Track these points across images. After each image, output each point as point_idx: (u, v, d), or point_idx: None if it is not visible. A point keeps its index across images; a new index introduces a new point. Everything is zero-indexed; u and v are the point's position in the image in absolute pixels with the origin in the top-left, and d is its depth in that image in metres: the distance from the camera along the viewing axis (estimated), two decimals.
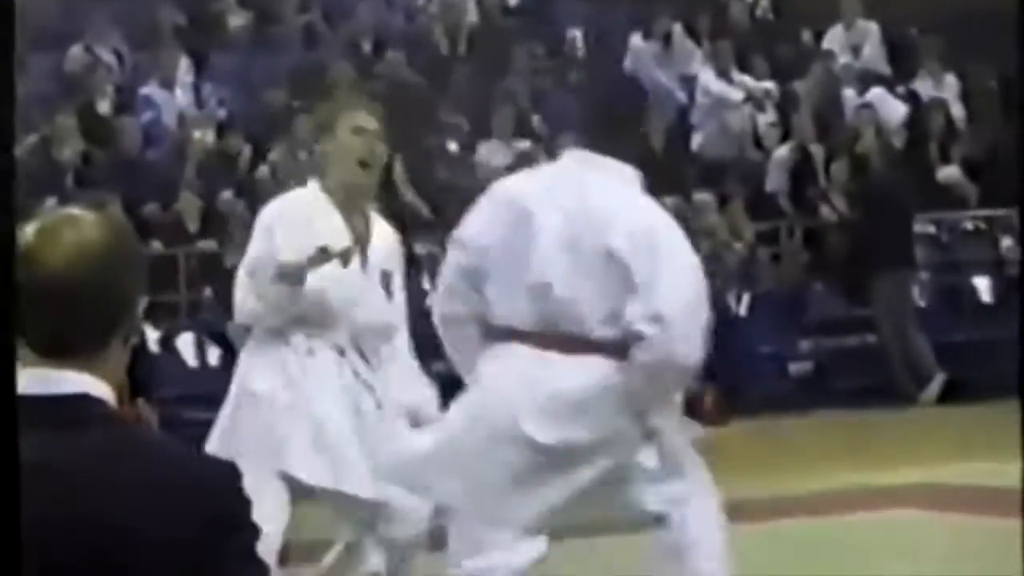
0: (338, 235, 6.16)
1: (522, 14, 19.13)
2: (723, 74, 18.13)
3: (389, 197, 15.93)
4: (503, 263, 5.47)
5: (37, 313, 2.50)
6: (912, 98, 18.18)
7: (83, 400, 2.54)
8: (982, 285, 16.74)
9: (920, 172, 17.31)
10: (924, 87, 18.35)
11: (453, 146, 16.98)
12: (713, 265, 16.16)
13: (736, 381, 15.02)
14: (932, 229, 16.97)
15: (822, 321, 16.20)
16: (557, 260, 5.39)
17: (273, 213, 6.32)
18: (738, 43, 18.54)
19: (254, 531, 2.57)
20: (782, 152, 17.46)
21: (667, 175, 17.22)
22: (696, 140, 17.69)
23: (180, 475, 2.54)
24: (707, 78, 18.05)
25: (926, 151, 17.76)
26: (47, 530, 2.43)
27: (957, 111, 18.33)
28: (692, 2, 19.26)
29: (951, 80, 18.43)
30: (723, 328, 15.48)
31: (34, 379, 2.51)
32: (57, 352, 2.54)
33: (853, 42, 18.93)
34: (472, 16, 18.59)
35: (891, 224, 15.59)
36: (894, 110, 17.91)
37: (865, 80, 18.39)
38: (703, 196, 16.46)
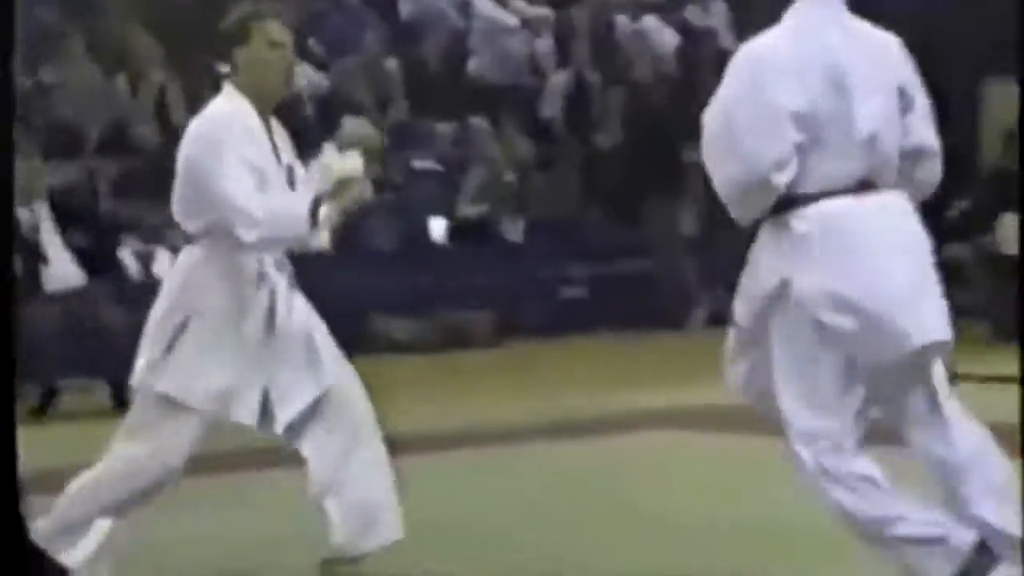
0: (264, 146, 6.05)
1: None
2: None
3: (163, 118, 15.77)
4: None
5: None
6: (684, 27, 18.33)
7: None
8: None
9: (692, 101, 17.46)
10: (696, 16, 18.50)
11: (226, 68, 16.78)
12: (489, 191, 16.25)
13: (510, 305, 15.13)
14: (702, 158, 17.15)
15: (595, 246, 16.33)
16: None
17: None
18: None
19: None
20: (558, 79, 17.52)
21: (442, 99, 17.25)
22: (472, 64, 17.66)
23: None
24: (483, 3, 18.01)
25: (697, 80, 17.93)
26: None
27: (728, 41, 18.52)
28: None
29: (721, 8, 18.59)
30: (498, 253, 15.78)
31: None
32: None
33: None
34: None
35: (662, 152, 15.74)
36: (666, 38, 18.04)
37: (638, 8, 18.47)
38: (479, 121, 16.48)
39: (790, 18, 5.70)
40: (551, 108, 17.33)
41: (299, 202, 5.94)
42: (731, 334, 5.63)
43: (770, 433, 9.52)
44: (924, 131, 5.80)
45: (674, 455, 9.27)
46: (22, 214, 12.06)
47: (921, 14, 16.54)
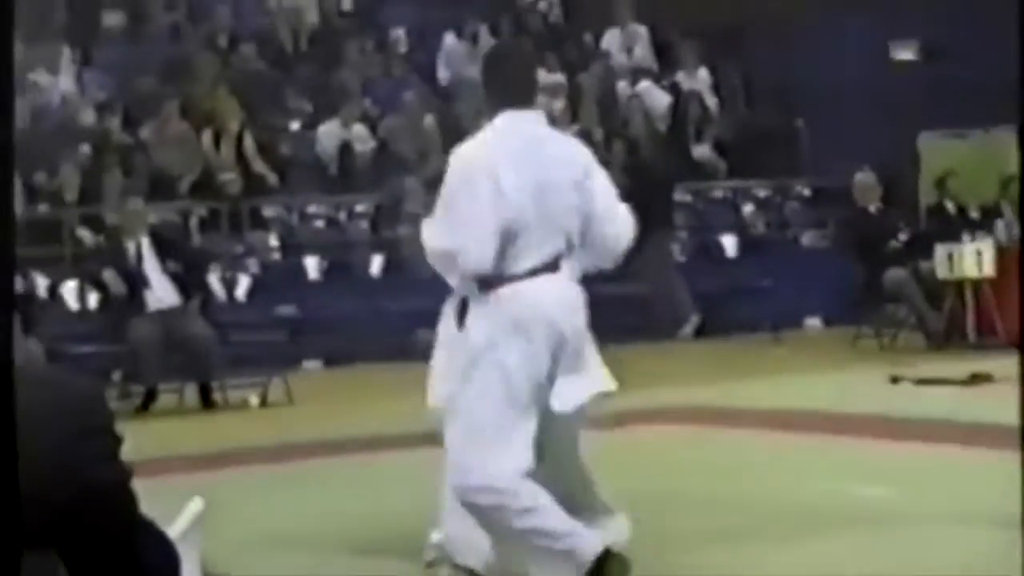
0: None
1: (354, 15, 19.03)
2: None
3: (242, 166, 15.83)
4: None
5: None
6: (674, 89, 18.38)
7: None
8: (728, 243, 17.02)
9: (679, 150, 17.53)
10: (683, 80, 18.56)
11: (295, 126, 16.88)
12: None
13: None
14: (689, 197, 17.20)
15: (601, 272, 16.32)
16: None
17: None
18: (534, 42, 18.59)
19: (116, 437, 2.52)
20: (569, 133, 17.56)
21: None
22: None
23: (48, 391, 2.48)
24: None
25: (684, 133, 17.99)
26: None
27: (710, 101, 18.59)
28: (495, 7, 19.29)
29: (704, 75, 18.66)
30: None
31: None
32: None
33: (626, 43, 19.09)
34: (313, 17, 18.46)
35: (656, 193, 15.78)
36: (659, 99, 18.11)
37: (636, 74, 18.56)
38: None
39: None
40: None
41: None
42: None
43: (748, 426, 9.63)
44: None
45: (666, 444, 9.30)
46: (129, 247, 12.14)
47: (868, 90, 16.63)
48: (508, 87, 5.11)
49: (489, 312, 5.02)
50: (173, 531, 2.89)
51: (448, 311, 5.58)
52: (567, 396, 5.09)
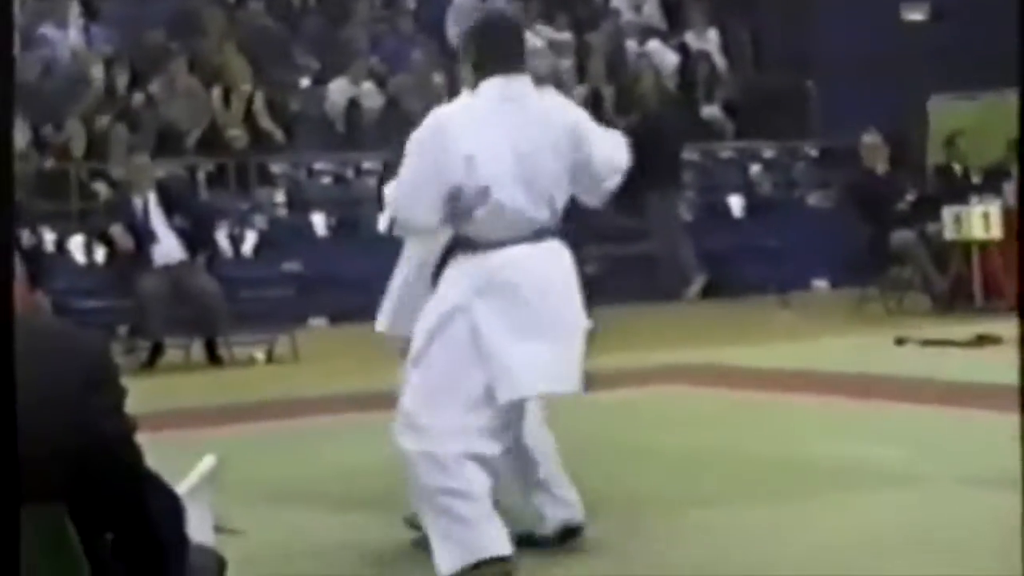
0: None
1: None
2: (530, 26, 18.10)
3: (250, 123, 15.79)
4: None
5: None
6: (683, 49, 18.31)
7: None
8: (735, 203, 16.99)
9: (688, 110, 17.47)
10: (692, 40, 18.49)
11: (305, 82, 16.83)
12: None
13: None
14: (697, 157, 17.17)
15: (606, 231, 16.32)
16: None
17: None
18: (543, 1, 18.53)
19: (121, 390, 2.52)
20: (579, 92, 17.51)
21: None
22: None
23: (55, 343, 2.49)
24: None
25: (693, 93, 17.93)
26: None
27: (719, 61, 18.52)
28: None
29: (713, 35, 18.58)
30: None
31: None
32: None
33: (635, 2, 19.00)
34: None
35: (664, 152, 15.74)
36: (668, 59, 18.04)
37: (645, 34, 18.48)
38: None
39: None
40: None
41: None
42: None
43: (751, 387, 9.63)
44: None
45: (675, 403, 9.32)
46: (136, 202, 12.12)
47: (879, 52, 16.55)
48: (498, 56, 5.05)
49: (465, 273, 4.95)
50: (183, 486, 2.89)
51: (409, 253, 5.64)
52: (515, 380, 4.89)
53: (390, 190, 5.28)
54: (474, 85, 5.10)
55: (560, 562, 5.44)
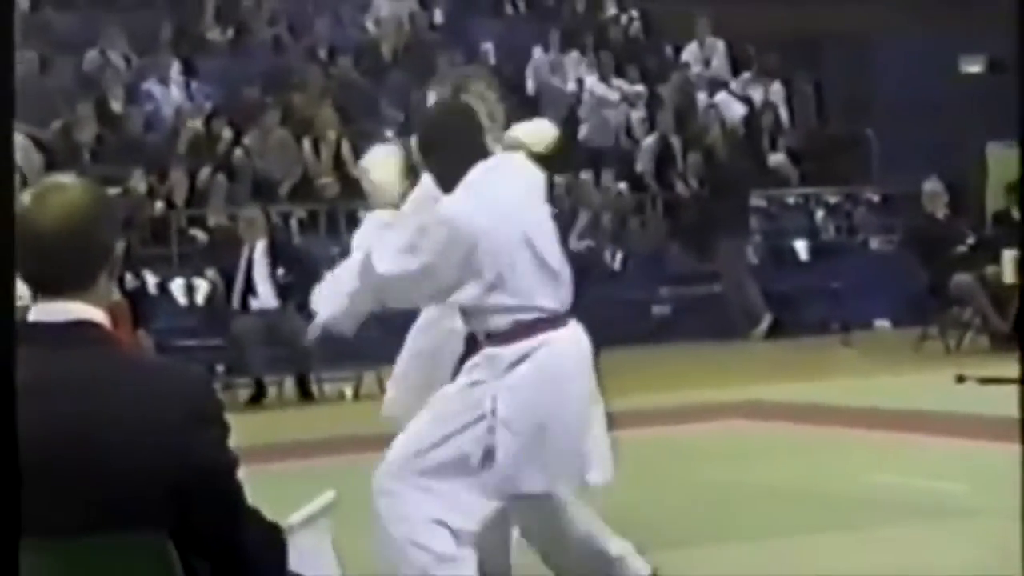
0: None
1: (445, 30, 19.10)
2: (604, 79, 18.20)
3: (339, 171, 15.93)
4: None
5: (36, 260, 2.47)
6: (749, 100, 18.31)
7: (84, 325, 2.51)
8: (800, 247, 16.93)
9: (755, 158, 17.45)
10: (758, 91, 18.48)
11: (389, 132, 16.97)
12: (594, 230, 16.30)
13: (610, 320, 15.14)
14: (763, 203, 17.13)
15: (678, 274, 16.34)
16: None
17: None
18: (616, 55, 18.59)
19: (225, 425, 2.53)
20: (649, 142, 17.56)
21: (559, 158, 17.28)
22: (582, 131, 17.75)
23: (160, 380, 2.50)
24: (591, 82, 18.10)
25: (759, 142, 17.91)
26: (53, 435, 2.38)
27: (783, 111, 18.49)
28: (579, 22, 19.29)
29: (778, 86, 18.57)
30: (600, 279, 15.82)
31: (42, 311, 2.51)
32: (55, 290, 2.52)
33: (705, 56, 19.02)
34: (405, 30, 18.55)
35: (731, 199, 15.75)
36: (735, 109, 18.04)
37: (713, 85, 18.49)
38: (585, 176, 16.54)
39: None
40: (643, 164, 17.36)
41: None
42: None
43: (815, 422, 9.58)
44: None
45: (742, 438, 9.29)
46: (244, 250, 12.22)
47: (937, 101, 16.47)
48: (463, 155, 4.56)
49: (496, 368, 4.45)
50: (296, 516, 2.87)
51: (424, 325, 5.22)
52: (526, 478, 4.39)
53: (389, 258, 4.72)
54: None
55: None
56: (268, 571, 2.59)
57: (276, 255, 12.25)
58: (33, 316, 2.48)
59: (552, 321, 4.55)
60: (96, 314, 2.55)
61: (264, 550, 2.58)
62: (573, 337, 4.61)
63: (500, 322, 4.47)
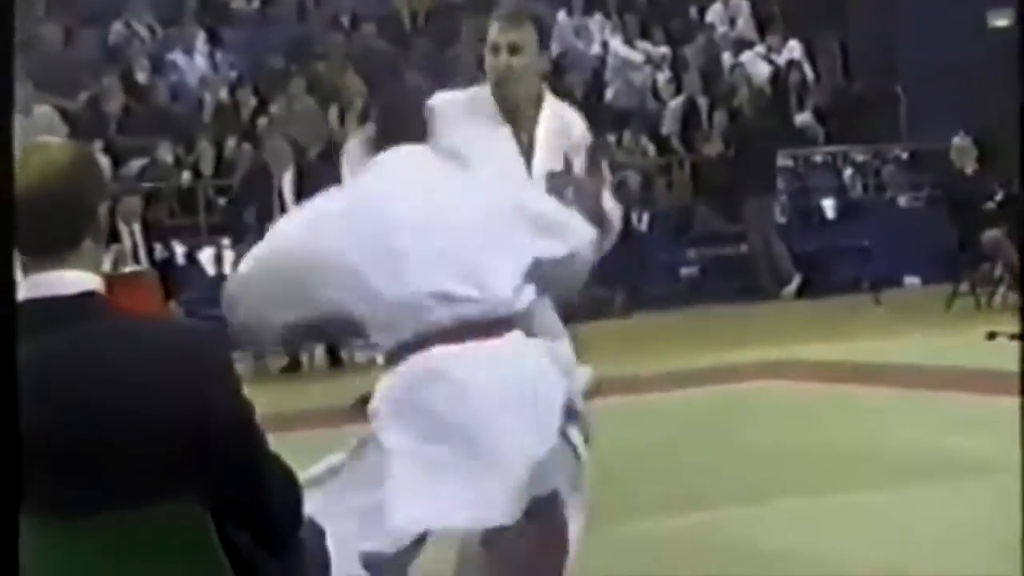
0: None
1: None
2: (628, 42, 18.11)
3: None
4: None
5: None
6: (774, 59, 18.20)
7: (82, 297, 2.46)
8: (828, 205, 16.86)
9: (781, 118, 17.37)
10: (784, 50, 18.37)
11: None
12: (621, 192, 16.24)
13: (638, 283, 15.13)
14: (790, 162, 17.05)
15: (705, 234, 16.29)
16: None
17: None
18: (640, 17, 18.50)
19: (236, 376, 2.49)
20: (675, 103, 17.48)
21: (585, 121, 17.24)
22: (608, 93, 17.68)
23: (168, 343, 2.46)
24: (616, 44, 18.02)
25: (786, 101, 17.82)
26: (72, 418, 2.35)
27: (809, 69, 18.38)
28: None
29: (804, 45, 18.45)
30: (628, 240, 15.79)
31: (35, 284, 2.44)
32: (37, 252, 2.44)
33: (729, 16, 18.92)
34: None
35: (758, 159, 15.67)
36: (761, 69, 17.94)
37: (738, 46, 18.39)
38: (610, 138, 16.49)
39: None
40: (669, 126, 17.30)
41: None
42: None
43: (847, 380, 9.55)
44: None
45: (771, 397, 9.27)
46: (274, 183, 12.27)
47: (965, 56, 16.33)
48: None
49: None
50: (303, 476, 2.88)
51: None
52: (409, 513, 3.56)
53: None
54: None
55: (646, 552, 5.43)
56: (288, 510, 2.58)
57: (302, 188, 12.27)
58: (25, 291, 2.41)
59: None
60: (89, 280, 2.49)
61: (286, 490, 2.57)
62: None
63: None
